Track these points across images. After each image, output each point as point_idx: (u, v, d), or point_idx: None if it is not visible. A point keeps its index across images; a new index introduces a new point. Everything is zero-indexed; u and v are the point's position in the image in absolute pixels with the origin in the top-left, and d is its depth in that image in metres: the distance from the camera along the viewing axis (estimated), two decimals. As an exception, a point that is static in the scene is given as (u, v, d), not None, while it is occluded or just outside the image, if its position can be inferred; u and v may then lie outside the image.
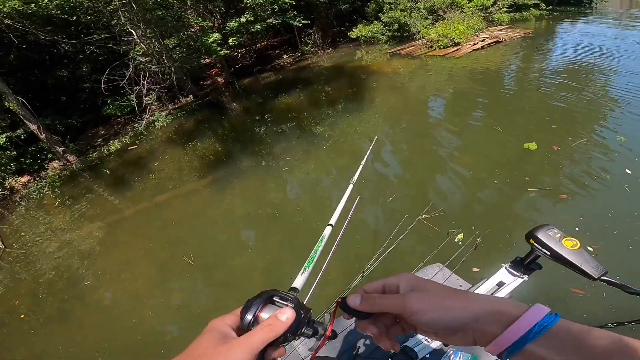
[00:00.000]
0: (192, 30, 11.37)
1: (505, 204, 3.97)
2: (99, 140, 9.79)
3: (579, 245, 0.82)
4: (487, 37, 12.08)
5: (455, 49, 11.26)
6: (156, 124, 9.49)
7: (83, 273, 4.47)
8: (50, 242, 5.39)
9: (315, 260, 0.89)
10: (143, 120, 8.88)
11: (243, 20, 11.31)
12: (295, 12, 13.32)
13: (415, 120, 6.85)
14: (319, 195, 5.05)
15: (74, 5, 8.41)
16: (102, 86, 7.80)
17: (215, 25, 11.94)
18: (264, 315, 0.44)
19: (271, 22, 13.05)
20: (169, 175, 6.64)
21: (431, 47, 11.74)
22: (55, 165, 8.85)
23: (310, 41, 15.02)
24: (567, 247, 0.82)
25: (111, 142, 9.17)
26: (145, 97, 8.10)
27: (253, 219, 4.79)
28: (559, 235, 0.85)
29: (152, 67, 7.96)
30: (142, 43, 7.78)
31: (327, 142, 6.42)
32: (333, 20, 15.79)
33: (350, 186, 1.35)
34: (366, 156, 1.82)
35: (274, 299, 0.47)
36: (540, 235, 0.86)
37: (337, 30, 15.96)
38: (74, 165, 8.53)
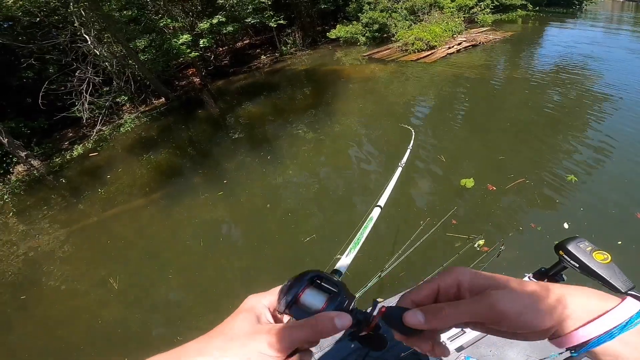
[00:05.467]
0: (167, 30, 11.16)
1: (422, 251, 3.70)
2: (66, 143, 9.74)
3: (610, 258, 0.80)
4: (464, 40, 11.89)
5: (429, 53, 11.08)
6: (121, 129, 9.43)
7: (26, 287, 4.57)
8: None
9: (361, 242, 0.84)
10: (93, 133, 8.86)
11: (215, 21, 11.10)
12: (272, 12, 13.05)
13: (370, 140, 6.73)
14: (270, 219, 4.89)
15: (38, 4, 8.25)
16: (40, 100, 7.69)
17: (190, 25, 11.71)
18: (304, 297, 0.40)
19: (249, 22, 12.81)
20: (120, 189, 6.64)
21: (406, 50, 11.56)
22: (20, 169, 8.83)
23: (290, 41, 14.77)
24: (598, 261, 0.80)
25: (75, 146, 9.13)
26: (87, 110, 8.01)
27: (196, 240, 4.77)
28: (590, 248, 0.83)
29: (96, 78, 7.84)
30: (96, 50, 7.64)
31: (282, 157, 6.42)
32: (315, 19, 15.50)
33: (399, 169, 1.38)
34: (412, 141, 2.26)
35: (318, 281, 0.42)
36: (571, 247, 0.84)
37: (319, 30, 15.69)
38: (36, 171, 8.51)
